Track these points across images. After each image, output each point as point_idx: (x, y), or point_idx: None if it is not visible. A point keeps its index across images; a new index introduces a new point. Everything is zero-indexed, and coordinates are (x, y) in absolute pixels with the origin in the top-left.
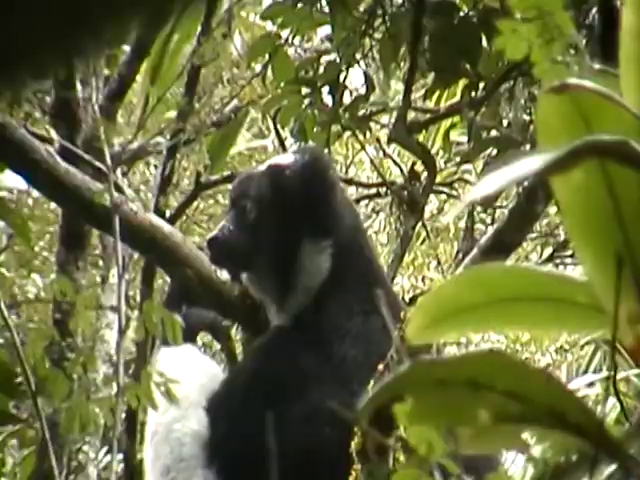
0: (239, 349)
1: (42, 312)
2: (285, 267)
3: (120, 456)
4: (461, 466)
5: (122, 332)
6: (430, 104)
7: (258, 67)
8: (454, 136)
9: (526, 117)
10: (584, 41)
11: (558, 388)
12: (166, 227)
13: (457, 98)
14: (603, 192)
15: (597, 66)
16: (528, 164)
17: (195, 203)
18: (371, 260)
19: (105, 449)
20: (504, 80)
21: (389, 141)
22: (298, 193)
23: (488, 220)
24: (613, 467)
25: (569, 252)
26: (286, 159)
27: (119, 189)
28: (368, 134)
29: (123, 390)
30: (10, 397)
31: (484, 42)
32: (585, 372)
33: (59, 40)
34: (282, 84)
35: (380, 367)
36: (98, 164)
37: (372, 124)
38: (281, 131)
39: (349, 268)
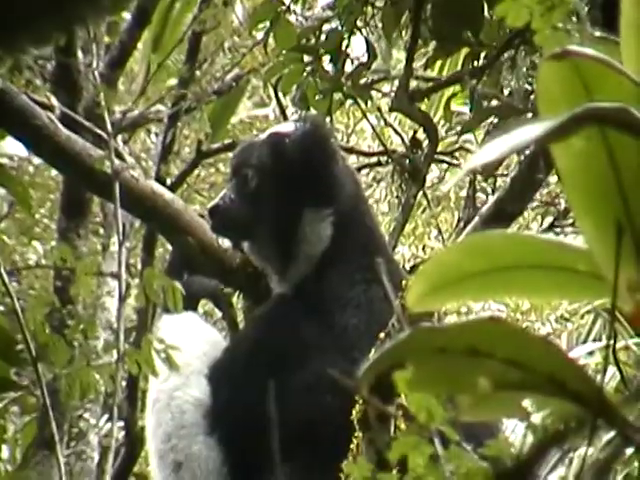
0: (240, 317)
1: (43, 279)
2: (286, 236)
3: (121, 423)
4: (461, 434)
5: (123, 299)
6: (432, 73)
7: (259, 35)
8: (455, 106)
9: (528, 86)
10: (585, 9)
11: (558, 356)
12: (167, 194)
13: (459, 67)
14: (603, 159)
15: (598, 33)
16: (528, 131)
17: (196, 171)
18: (372, 229)
19: (106, 416)
20: (506, 49)
21: (391, 110)
22: (298, 161)
23: (489, 189)
24: (612, 434)
25: (570, 221)
26: (287, 128)
27: (120, 156)
28: (370, 103)
29: (123, 357)
30: (11, 364)
31: (486, 10)
32: (585, 341)
33: (58, 6)
34: (284, 52)
35: (381, 336)
36: (98, 131)
37: (373, 93)
38: (282, 99)
39: (350, 237)
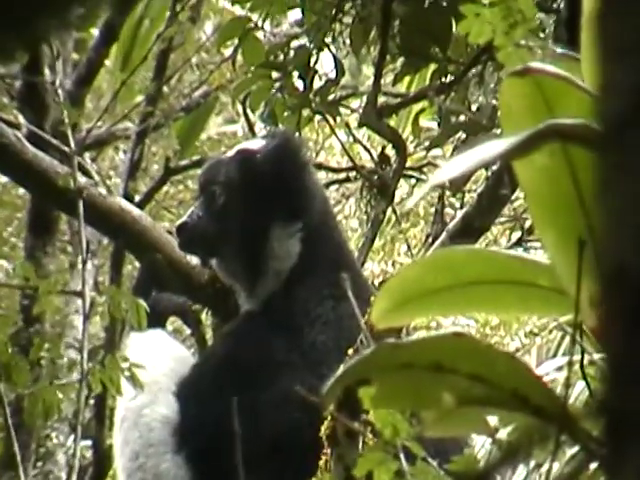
0: (209, 334)
1: (9, 298)
2: (255, 252)
3: (89, 442)
4: (430, 449)
5: (87, 317)
6: (400, 89)
7: (227, 52)
8: (423, 121)
9: (495, 102)
10: (552, 26)
11: (522, 371)
12: (135, 211)
13: (427, 83)
14: (566, 175)
15: (560, 50)
16: (492, 147)
17: (164, 188)
18: (341, 244)
19: (73, 436)
20: (473, 65)
21: (359, 125)
22: (270, 176)
23: (457, 204)
24: (576, 448)
25: (537, 237)
26: (255, 144)
27: (87, 173)
28: (338, 119)
29: (87, 375)
30: None
31: (454, 27)
32: (554, 356)
33: (24, 21)
34: (252, 68)
35: (350, 352)
36: (64, 148)
37: (342, 109)
38: (251, 116)
39: (319, 252)
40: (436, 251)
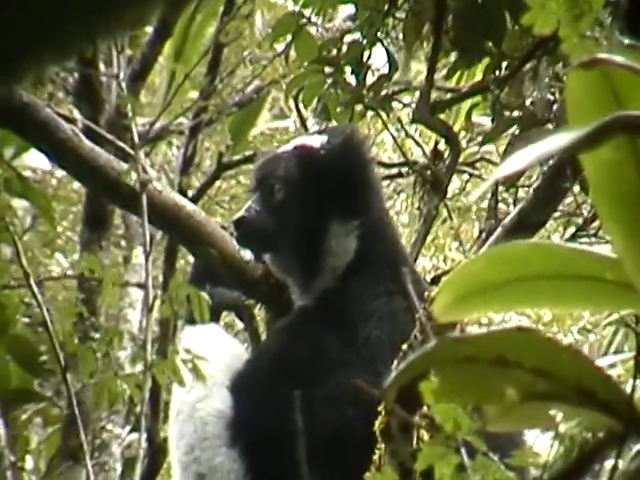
0: (262, 329)
1: (66, 291)
2: (312, 249)
3: (144, 434)
4: (485, 444)
5: (149, 309)
6: (451, 84)
7: (280, 47)
8: (474, 117)
9: (550, 96)
10: (609, 18)
11: (587, 365)
12: (190, 206)
13: (478, 77)
14: (632, 168)
15: (626, 41)
16: (556, 141)
17: (217, 183)
18: (395, 241)
19: (128, 428)
20: (528, 59)
21: (412, 121)
22: (334, 172)
23: (510, 200)
24: None
25: (592, 231)
26: (312, 139)
27: (143, 168)
28: (391, 114)
29: (151, 367)
30: (34, 375)
31: (508, 20)
32: (606, 353)
33: (84, 19)
34: (305, 64)
35: (404, 347)
36: (122, 144)
37: (394, 104)
38: (303, 111)
39: (374, 249)
40: (497, 246)
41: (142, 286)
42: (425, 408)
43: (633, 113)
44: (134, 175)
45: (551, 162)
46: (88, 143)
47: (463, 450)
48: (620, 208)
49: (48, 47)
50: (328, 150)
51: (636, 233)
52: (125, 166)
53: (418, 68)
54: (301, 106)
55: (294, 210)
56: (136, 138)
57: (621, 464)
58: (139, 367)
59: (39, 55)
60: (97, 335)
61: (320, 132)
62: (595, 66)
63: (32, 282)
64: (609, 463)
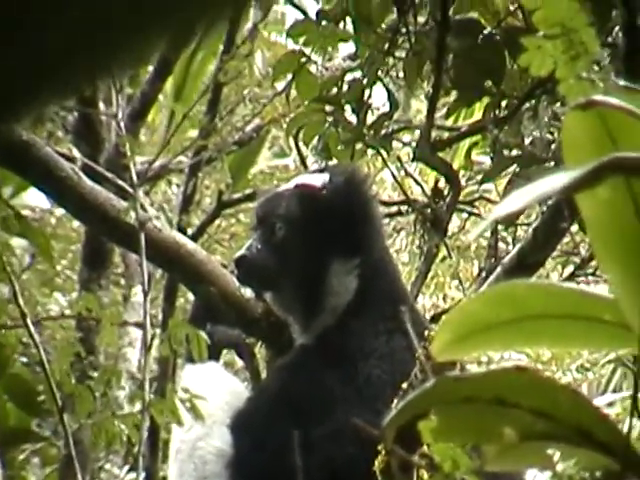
0: (263, 367)
1: (64, 330)
2: (313, 288)
3: (143, 474)
4: None
5: (147, 348)
6: (449, 122)
7: (280, 85)
8: (474, 155)
9: (549, 135)
10: (607, 59)
11: (585, 406)
12: (190, 244)
13: (477, 116)
14: (630, 209)
15: (622, 83)
16: (554, 181)
17: (217, 222)
18: (396, 279)
19: (127, 467)
20: (527, 98)
21: (413, 159)
22: (335, 212)
23: (509, 239)
24: None
25: (590, 270)
26: (313, 178)
27: (142, 207)
28: (390, 152)
29: (149, 406)
30: (32, 415)
31: (507, 60)
32: (604, 391)
33: (86, 59)
34: (305, 102)
35: (404, 386)
36: (121, 183)
37: (394, 142)
38: (303, 149)
39: (375, 288)
40: (496, 285)
41: (141, 325)
42: (425, 447)
43: (629, 154)
44: (133, 214)
45: (549, 201)
46: (88, 181)
47: None
48: (616, 248)
49: (48, 85)
50: (330, 189)
51: (632, 273)
52: (124, 204)
53: (418, 107)
54: (301, 144)
55: (295, 249)
56: (134, 177)
57: None
58: (137, 407)
59: (39, 93)
60: (96, 374)
61: (321, 170)
62: (591, 107)
63: (29, 322)
64: None
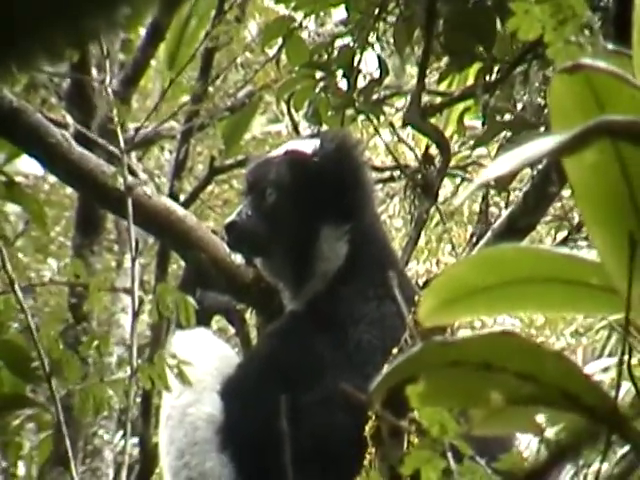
0: (253, 333)
1: (58, 296)
2: (303, 253)
3: (135, 440)
4: (474, 448)
5: (136, 315)
6: (443, 87)
7: (272, 51)
8: (468, 120)
9: (540, 100)
10: (598, 23)
11: (571, 370)
12: (180, 211)
13: (470, 81)
14: (616, 173)
15: (610, 47)
16: (541, 145)
17: (209, 188)
18: (385, 245)
19: (121, 433)
20: (518, 63)
21: (404, 124)
22: (325, 178)
23: (502, 204)
24: (626, 448)
25: (584, 235)
26: (303, 144)
27: (133, 173)
28: (382, 118)
29: (137, 372)
30: (27, 381)
31: (498, 25)
32: (600, 356)
33: (71, 20)
34: (296, 68)
35: (394, 351)
36: (111, 148)
37: (386, 108)
38: (295, 115)
39: (365, 253)
40: (483, 249)
41: (129, 291)
42: (414, 412)
43: (616, 118)
44: (121, 179)
45: (540, 166)
46: (78, 148)
47: (450, 454)
48: (603, 212)
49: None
50: (321, 154)
51: (619, 237)
52: (115, 170)
53: (410, 72)
54: (293, 110)
55: (286, 214)
56: (122, 143)
57: (605, 468)
58: (127, 372)
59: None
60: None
61: (312, 136)
62: (578, 71)
63: (17, 288)
64: (594, 467)
